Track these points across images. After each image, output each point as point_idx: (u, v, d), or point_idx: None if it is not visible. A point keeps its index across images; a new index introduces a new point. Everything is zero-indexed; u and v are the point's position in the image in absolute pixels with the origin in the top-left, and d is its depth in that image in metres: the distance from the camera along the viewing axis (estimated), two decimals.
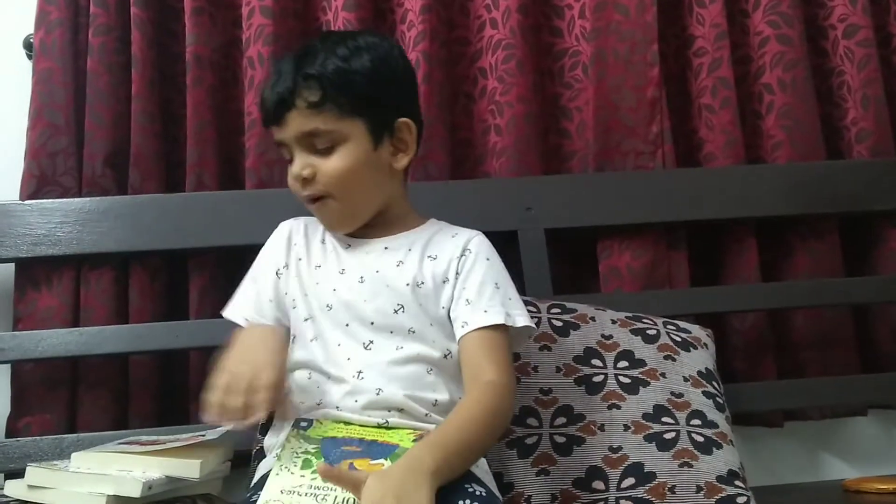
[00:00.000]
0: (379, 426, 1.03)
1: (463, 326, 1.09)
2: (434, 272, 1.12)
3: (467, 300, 1.11)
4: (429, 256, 1.14)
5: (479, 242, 1.17)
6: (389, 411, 1.04)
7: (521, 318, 1.12)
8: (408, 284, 1.10)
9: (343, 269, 1.14)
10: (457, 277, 1.13)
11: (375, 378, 1.05)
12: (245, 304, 1.16)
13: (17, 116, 1.60)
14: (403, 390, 1.04)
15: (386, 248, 1.15)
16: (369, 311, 1.09)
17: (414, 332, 1.08)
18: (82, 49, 1.61)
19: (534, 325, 1.15)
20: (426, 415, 1.06)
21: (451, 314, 1.11)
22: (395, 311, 1.09)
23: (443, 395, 1.07)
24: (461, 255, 1.14)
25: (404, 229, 1.17)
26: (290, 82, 1.09)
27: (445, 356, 1.09)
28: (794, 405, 1.61)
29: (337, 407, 1.05)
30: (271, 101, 1.11)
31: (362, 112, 1.11)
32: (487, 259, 1.15)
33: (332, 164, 1.10)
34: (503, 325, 1.09)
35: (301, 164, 1.11)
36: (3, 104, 1.65)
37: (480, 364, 1.07)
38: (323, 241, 1.18)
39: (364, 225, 1.16)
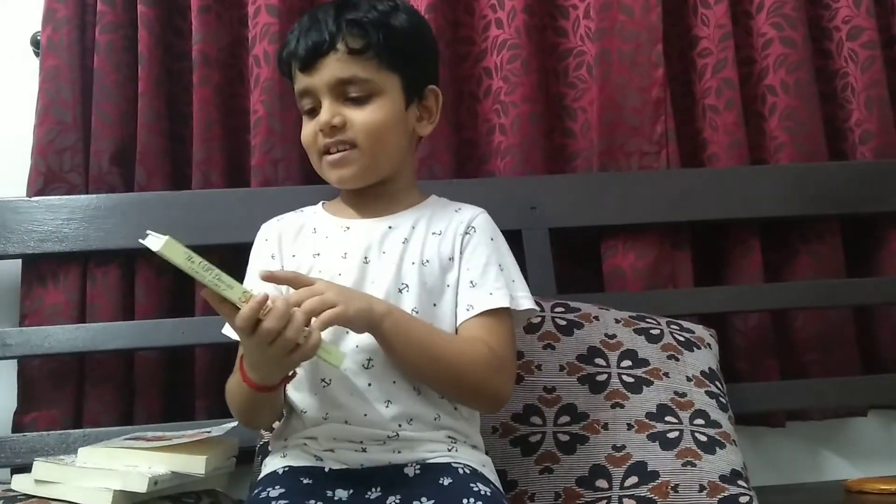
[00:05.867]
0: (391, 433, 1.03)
1: (468, 310, 1.07)
2: (440, 250, 1.10)
3: (471, 282, 1.09)
4: (433, 233, 1.12)
5: (483, 221, 1.15)
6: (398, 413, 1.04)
7: (525, 301, 1.10)
8: (413, 263, 1.08)
9: (345, 253, 1.10)
10: (461, 256, 1.11)
11: (381, 364, 1.03)
12: None
13: (25, 113, 1.61)
14: None
15: (390, 227, 1.12)
16: (375, 293, 1.06)
17: (417, 312, 1.06)
18: (89, 47, 1.61)
19: (537, 308, 1.13)
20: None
21: (457, 296, 1.09)
22: (400, 291, 1.07)
23: None
24: (465, 233, 1.12)
25: (408, 205, 1.15)
26: (333, 26, 1.07)
27: None
28: (797, 405, 1.62)
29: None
30: (307, 45, 1.08)
31: (399, 67, 1.10)
32: (492, 239, 1.14)
33: (366, 115, 1.08)
34: (507, 307, 1.08)
35: (332, 111, 1.08)
36: (11, 101, 1.66)
37: (482, 338, 1.06)
38: (314, 231, 1.15)
39: (368, 199, 1.14)
